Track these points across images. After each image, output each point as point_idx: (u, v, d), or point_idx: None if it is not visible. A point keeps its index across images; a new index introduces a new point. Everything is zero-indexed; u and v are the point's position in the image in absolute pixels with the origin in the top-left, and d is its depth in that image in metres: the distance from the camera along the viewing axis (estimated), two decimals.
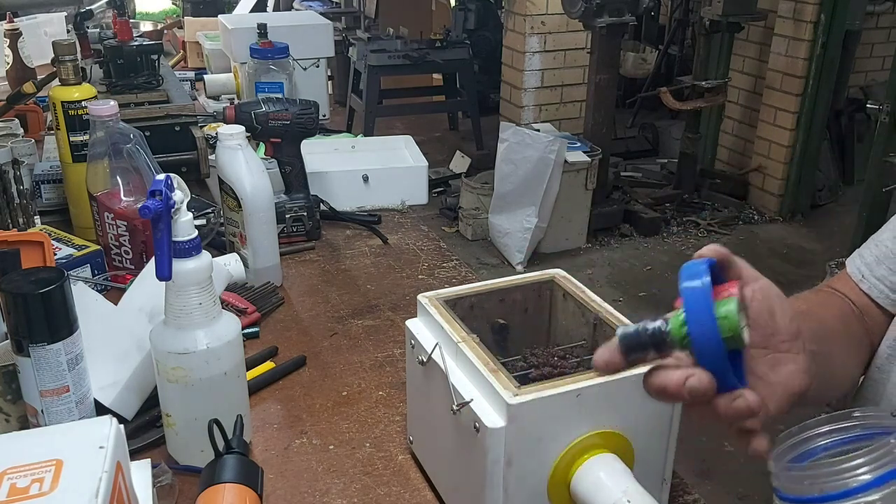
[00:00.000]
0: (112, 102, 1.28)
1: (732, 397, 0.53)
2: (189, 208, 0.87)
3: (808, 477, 0.54)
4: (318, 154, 1.80)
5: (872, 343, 0.80)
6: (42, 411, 0.86)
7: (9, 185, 1.36)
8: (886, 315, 0.80)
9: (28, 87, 1.87)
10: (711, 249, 0.56)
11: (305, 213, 1.51)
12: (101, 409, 0.94)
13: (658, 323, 0.54)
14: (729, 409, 0.53)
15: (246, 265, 1.27)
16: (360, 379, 1.13)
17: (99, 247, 1.32)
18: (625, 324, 0.82)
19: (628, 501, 0.70)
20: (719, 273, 0.54)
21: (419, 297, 0.89)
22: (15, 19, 2.66)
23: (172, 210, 0.85)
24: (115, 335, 1.01)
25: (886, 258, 0.79)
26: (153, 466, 0.82)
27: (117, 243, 1.31)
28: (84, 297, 1.00)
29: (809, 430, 0.57)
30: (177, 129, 1.67)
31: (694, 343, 0.51)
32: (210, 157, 1.60)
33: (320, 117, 1.54)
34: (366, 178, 1.72)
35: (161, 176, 0.86)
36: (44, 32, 2.81)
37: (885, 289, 0.79)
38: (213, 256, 0.92)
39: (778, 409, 0.57)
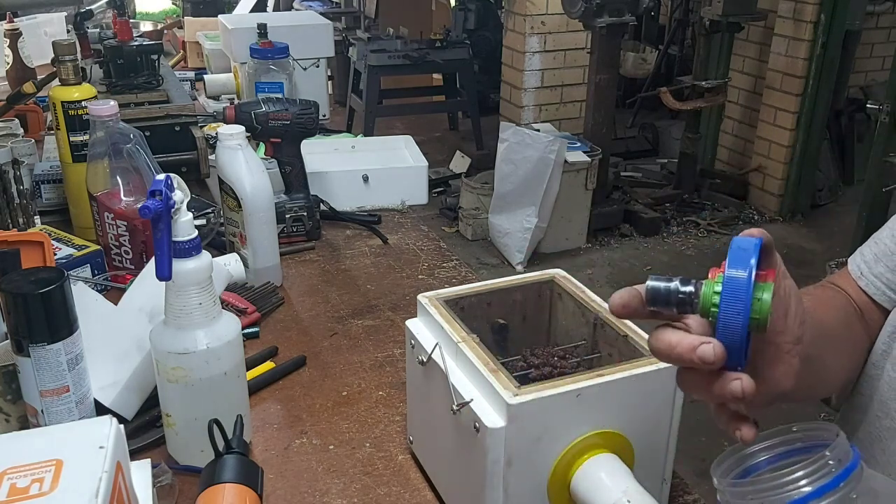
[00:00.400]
0: (112, 102, 1.28)
1: (730, 377, 0.54)
2: (189, 208, 0.87)
3: (751, 492, 0.55)
4: (318, 154, 1.80)
5: (871, 340, 0.80)
6: (42, 411, 0.86)
7: (9, 185, 1.36)
8: (883, 312, 0.80)
9: (28, 87, 1.87)
10: (760, 232, 0.56)
11: (305, 213, 1.51)
12: (101, 409, 0.94)
13: (689, 287, 0.55)
14: (724, 388, 0.54)
15: (246, 265, 1.27)
16: (360, 379, 1.13)
17: (99, 247, 1.32)
18: (625, 324, 0.83)
19: (628, 501, 0.70)
20: (760, 256, 0.55)
21: (419, 297, 0.89)
22: (15, 19, 2.66)
23: (172, 210, 0.85)
24: (115, 335, 1.01)
25: (885, 256, 0.80)
26: (153, 466, 0.82)
27: (117, 243, 1.31)
28: (84, 297, 1.00)
29: (752, 446, 0.58)
30: (177, 129, 1.67)
31: (722, 314, 0.52)
32: (210, 157, 1.60)
33: (320, 117, 1.54)
34: (366, 178, 1.72)
35: (161, 176, 0.86)
36: (44, 32, 2.81)
37: (882, 286, 0.80)
38: (213, 256, 0.92)
39: (759, 403, 0.58)
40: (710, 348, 0.53)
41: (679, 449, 0.83)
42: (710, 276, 0.55)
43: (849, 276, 0.83)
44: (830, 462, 0.53)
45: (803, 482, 0.53)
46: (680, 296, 0.55)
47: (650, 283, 0.56)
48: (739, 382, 0.54)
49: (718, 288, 0.53)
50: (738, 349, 0.53)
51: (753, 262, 0.52)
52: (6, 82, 2.39)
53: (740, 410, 0.57)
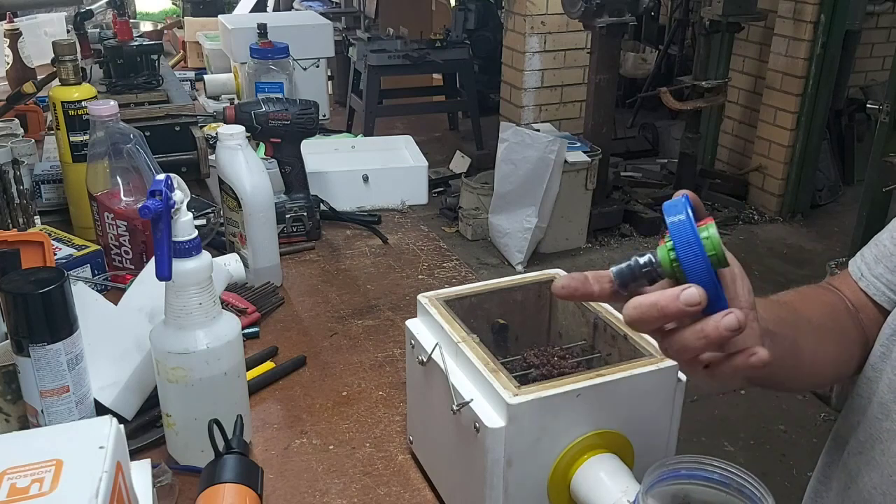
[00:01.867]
0: (112, 102, 1.28)
1: (722, 315, 0.55)
2: (189, 208, 0.87)
3: None
4: (318, 154, 1.80)
5: (867, 340, 0.81)
6: (42, 411, 0.86)
7: (9, 185, 1.36)
8: (882, 313, 0.81)
9: (28, 87, 1.87)
10: (685, 191, 0.59)
11: (305, 213, 1.51)
12: (101, 409, 0.94)
13: (647, 256, 0.59)
14: (719, 326, 0.55)
15: (246, 265, 1.27)
16: (360, 379, 1.13)
17: (99, 247, 1.32)
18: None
19: (628, 501, 0.70)
20: (693, 210, 0.59)
21: (419, 297, 0.89)
22: (15, 19, 2.66)
23: (172, 210, 0.85)
24: (115, 335, 1.01)
25: (884, 257, 0.81)
26: (153, 466, 0.82)
27: (117, 243, 1.31)
28: (84, 297, 1.00)
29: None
30: (177, 129, 1.67)
31: (683, 262, 0.56)
32: (210, 157, 1.60)
33: (320, 117, 1.54)
34: (366, 178, 1.72)
35: (161, 176, 0.86)
36: (44, 32, 2.81)
37: (882, 286, 0.81)
38: (213, 256, 0.92)
39: (735, 375, 0.59)
40: (692, 290, 0.55)
41: (679, 449, 0.83)
42: (660, 243, 0.58)
43: (849, 277, 0.84)
44: None
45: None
46: (644, 269, 0.59)
47: (614, 269, 0.60)
48: (733, 315, 0.55)
49: (671, 244, 0.56)
50: (714, 286, 0.56)
51: (688, 209, 0.56)
52: (6, 82, 2.39)
53: (743, 346, 0.58)
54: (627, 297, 0.59)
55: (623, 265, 0.60)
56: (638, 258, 0.59)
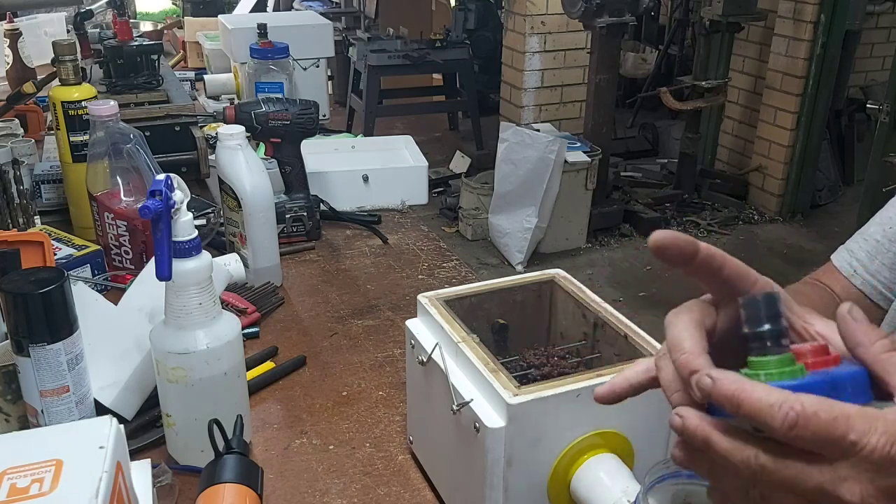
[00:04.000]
0: (112, 102, 1.28)
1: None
2: (189, 208, 0.88)
3: None
4: (318, 154, 1.80)
5: None
6: (42, 411, 0.86)
7: (9, 185, 1.36)
8: (877, 309, 0.80)
9: (28, 87, 1.87)
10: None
11: (305, 213, 1.51)
12: (101, 409, 0.94)
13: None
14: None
15: (246, 265, 1.27)
16: (360, 379, 1.13)
17: (99, 247, 1.32)
18: (625, 324, 0.83)
19: (628, 501, 0.70)
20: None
21: (419, 297, 0.89)
22: (15, 19, 2.66)
23: (172, 210, 0.85)
24: (115, 335, 1.01)
25: (879, 253, 0.79)
26: (153, 466, 0.82)
27: (117, 243, 1.31)
28: (84, 297, 1.00)
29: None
30: (177, 129, 1.67)
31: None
32: (210, 157, 1.60)
33: (320, 117, 1.54)
34: (366, 178, 1.72)
35: (161, 176, 0.86)
36: (44, 32, 2.81)
37: (878, 285, 0.79)
38: (213, 256, 0.92)
39: None
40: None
41: None
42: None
43: (836, 273, 0.83)
44: None
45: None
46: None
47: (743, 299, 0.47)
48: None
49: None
50: None
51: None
52: (6, 82, 2.39)
53: None
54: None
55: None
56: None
